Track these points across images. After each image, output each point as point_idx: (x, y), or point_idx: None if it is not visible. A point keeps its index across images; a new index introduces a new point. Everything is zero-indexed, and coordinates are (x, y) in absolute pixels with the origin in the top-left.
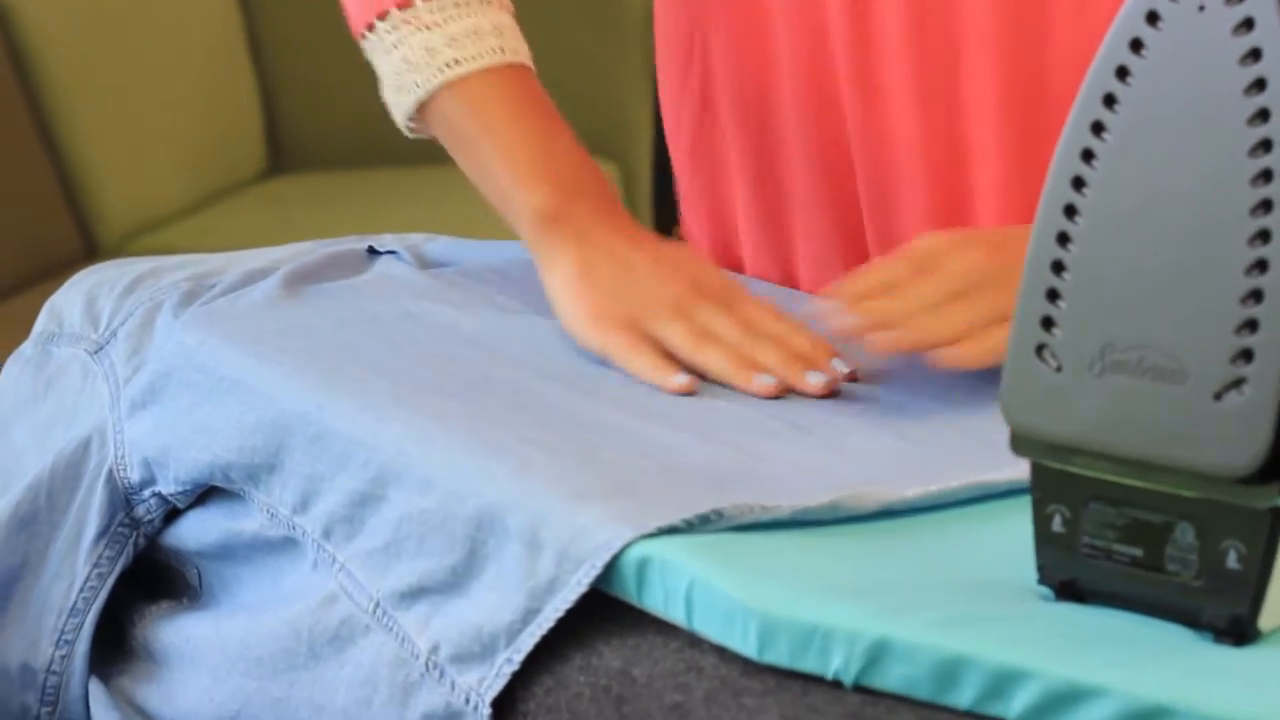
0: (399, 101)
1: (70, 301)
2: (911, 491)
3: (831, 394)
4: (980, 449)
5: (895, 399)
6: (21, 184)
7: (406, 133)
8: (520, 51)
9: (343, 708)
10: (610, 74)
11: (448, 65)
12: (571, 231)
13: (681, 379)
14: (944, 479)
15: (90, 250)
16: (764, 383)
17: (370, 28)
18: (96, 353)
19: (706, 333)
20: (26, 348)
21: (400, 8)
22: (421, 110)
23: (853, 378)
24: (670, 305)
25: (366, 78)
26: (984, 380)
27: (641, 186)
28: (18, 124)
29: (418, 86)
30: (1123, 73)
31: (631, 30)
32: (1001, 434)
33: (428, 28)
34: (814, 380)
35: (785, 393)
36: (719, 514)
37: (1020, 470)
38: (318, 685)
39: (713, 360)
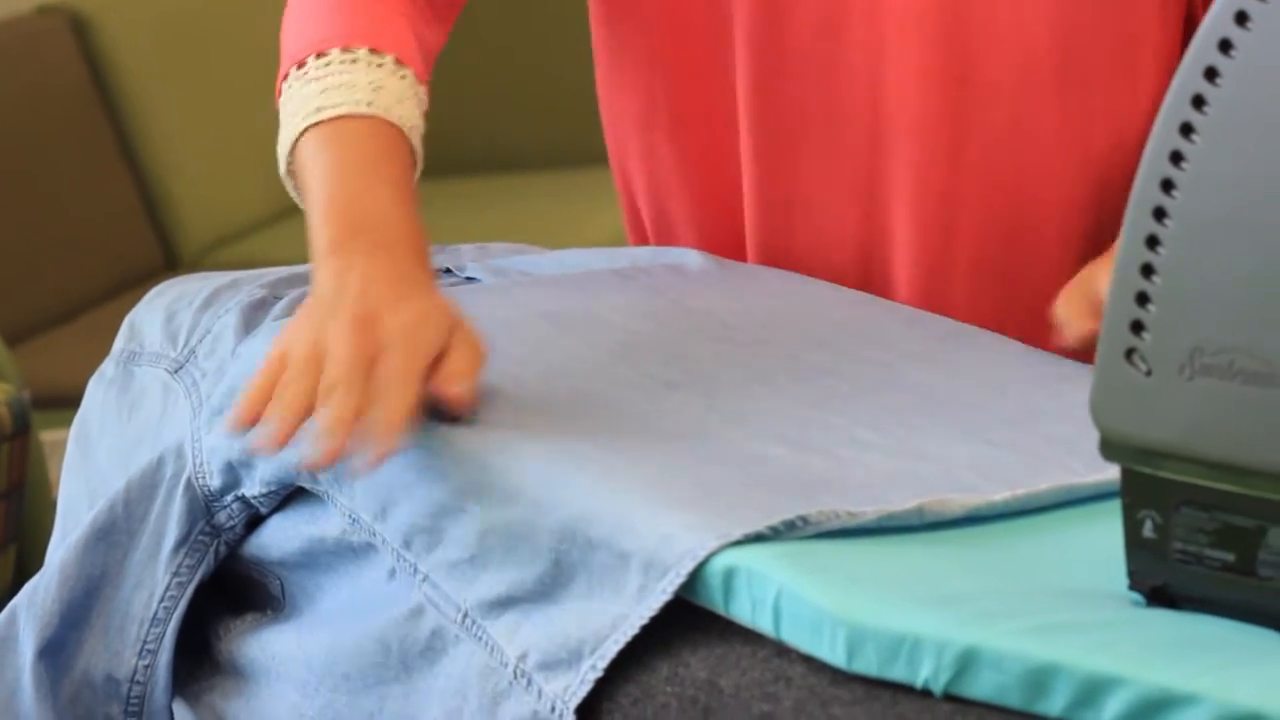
0: (280, 153)
1: (149, 318)
2: (999, 496)
3: (917, 400)
4: (1067, 454)
5: (981, 404)
6: (102, 196)
7: (289, 190)
8: (394, 111)
9: None
10: None
11: (313, 112)
12: (338, 265)
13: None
14: (1031, 483)
15: (171, 262)
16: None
17: (278, 94)
18: (177, 371)
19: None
20: (108, 368)
21: (298, 66)
22: (291, 159)
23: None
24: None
25: (444, 89)
26: (1071, 384)
27: None
28: (98, 136)
29: (287, 135)
30: (1211, 74)
31: None
32: (1087, 439)
33: (311, 81)
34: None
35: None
36: (804, 520)
37: (1107, 474)
38: (411, 698)
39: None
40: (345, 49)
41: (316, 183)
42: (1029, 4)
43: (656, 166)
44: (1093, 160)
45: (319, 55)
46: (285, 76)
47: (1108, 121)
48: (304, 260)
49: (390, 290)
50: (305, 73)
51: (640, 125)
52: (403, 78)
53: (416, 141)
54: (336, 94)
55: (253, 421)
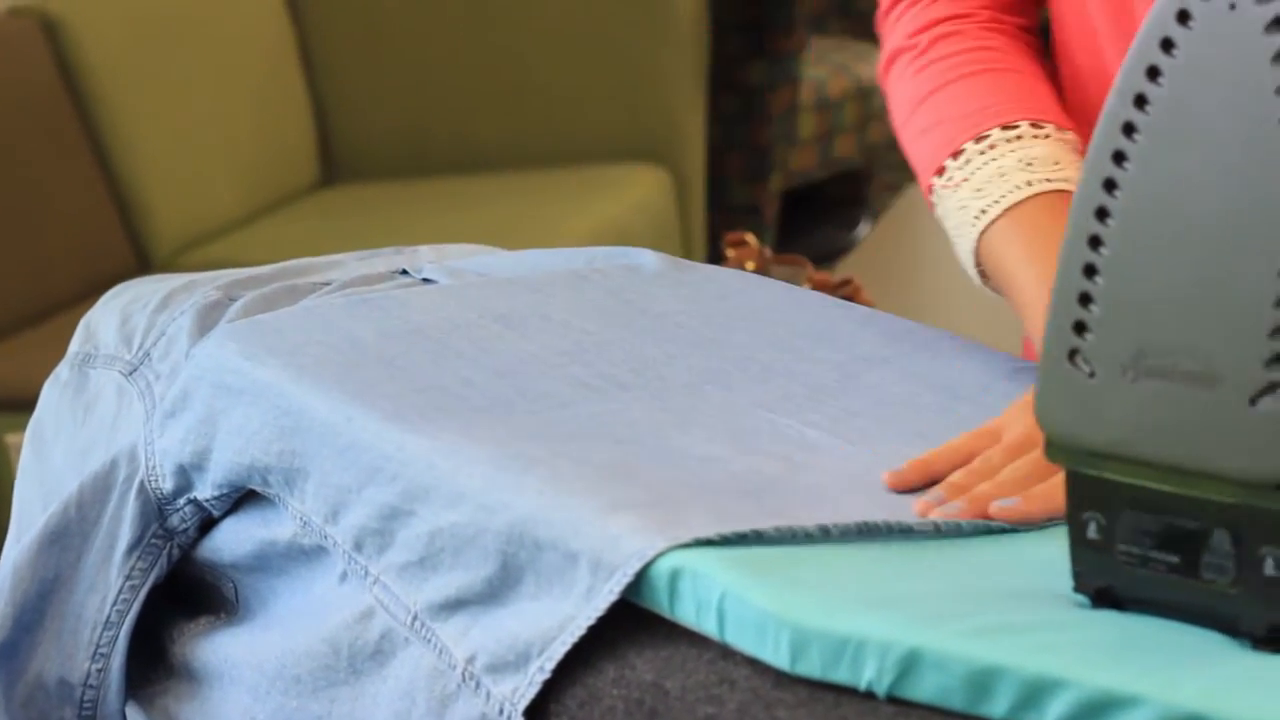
0: (966, 265)
1: (104, 320)
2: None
3: (870, 403)
4: None
5: (934, 407)
6: (74, 198)
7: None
8: (1052, 177)
9: None
10: (662, 80)
11: (975, 218)
12: None
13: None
14: None
15: (143, 263)
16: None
17: (930, 191)
18: (131, 373)
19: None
20: (63, 370)
21: (938, 174)
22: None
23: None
24: None
25: (416, 89)
26: (1025, 385)
27: (694, 193)
28: (70, 138)
29: (963, 247)
30: (1154, 73)
31: (683, 36)
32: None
33: (958, 186)
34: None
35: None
36: (758, 534)
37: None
38: (359, 701)
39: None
40: (1035, 124)
41: (1021, 283)
42: None
43: None
44: None
45: (1006, 128)
46: (929, 188)
47: None
48: (276, 260)
49: None
50: (950, 178)
51: None
52: (1037, 137)
53: None
54: (992, 189)
55: (924, 478)
